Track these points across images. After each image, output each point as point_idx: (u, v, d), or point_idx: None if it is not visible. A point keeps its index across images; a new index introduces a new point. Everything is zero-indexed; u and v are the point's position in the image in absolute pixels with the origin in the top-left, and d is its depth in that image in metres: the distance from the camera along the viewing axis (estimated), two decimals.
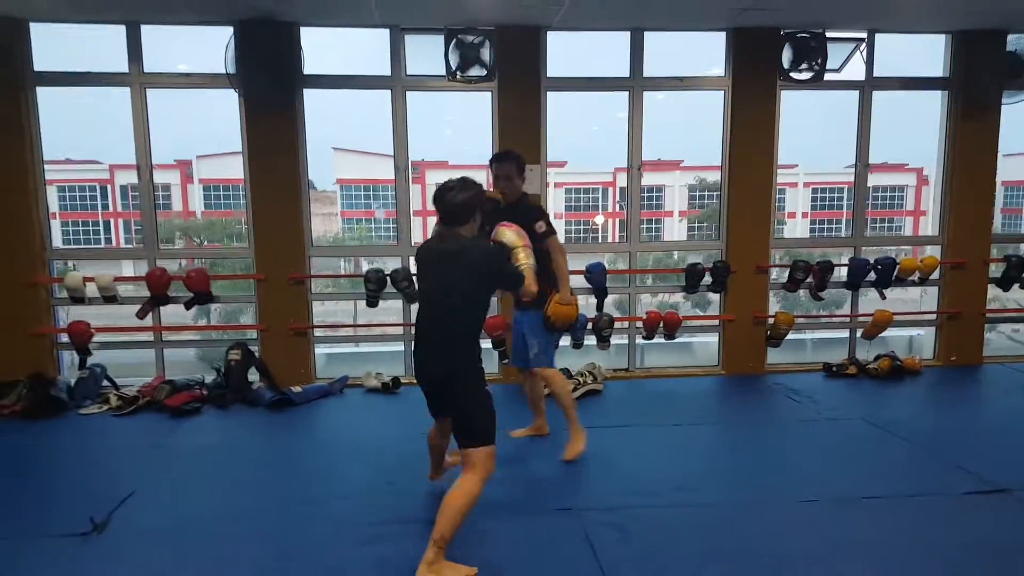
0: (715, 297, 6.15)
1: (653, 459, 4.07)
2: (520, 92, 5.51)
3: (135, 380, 5.50)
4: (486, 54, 5.38)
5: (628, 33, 5.62)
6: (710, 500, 3.56)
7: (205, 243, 26.31)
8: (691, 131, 5.89)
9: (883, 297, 6.10)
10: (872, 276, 6.02)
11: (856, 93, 5.92)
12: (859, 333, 6.18)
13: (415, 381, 3.21)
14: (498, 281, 3.11)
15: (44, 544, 3.15)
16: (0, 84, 5.21)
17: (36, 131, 5.39)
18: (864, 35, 5.75)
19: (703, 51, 5.98)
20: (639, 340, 6.03)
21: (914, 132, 6.28)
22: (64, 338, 5.49)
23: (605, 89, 5.89)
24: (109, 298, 5.41)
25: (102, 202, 31.61)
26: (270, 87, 5.25)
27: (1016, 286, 6.18)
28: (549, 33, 5.53)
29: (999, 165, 6.14)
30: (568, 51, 5.94)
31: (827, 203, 33.30)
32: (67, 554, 3.08)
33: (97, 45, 5.67)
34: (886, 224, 33.59)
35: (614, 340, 5.78)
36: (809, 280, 5.97)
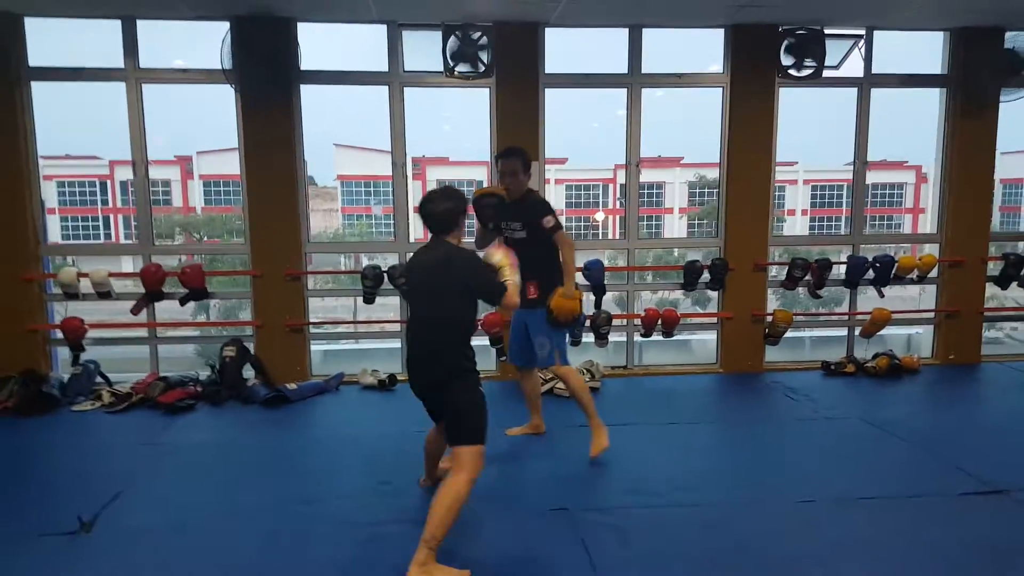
0: (715, 294, 6.14)
1: (650, 458, 4.05)
2: (518, 88, 5.49)
3: (130, 376, 5.48)
4: (484, 50, 5.35)
5: (626, 30, 5.59)
6: (707, 500, 3.54)
7: (205, 239, 26.27)
8: (691, 128, 5.87)
9: (881, 295, 6.08)
10: (871, 274, 5.99)
11: (854, 90, 5.89)
12: (857, 331, 6.16)
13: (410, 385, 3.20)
14: (479, 292, 3.06)
15: (30, 543, 3.12)
16: None
17: (30, 126, 5.36)
18: (863, 32, 5.72)
19: (701, 48, 5.96)
20: (637, 337, 6.01)
21: (913, 129, 6.25)
22: (58, 334, 5.47)
23: (603, 86, 5.87)
24: (103, 294, 5.39)
25: (102, 198, 31.59)
26: (266, 83, 5.22)
27: (1014, 284, 6.16)
28: (547, 30, 5.50)
29: (997, 163, 6.12)
30: (566, 48, 5.91)
31: (827, 200, 33.28)
32: (54, 554, 3.05)
33: (92, 40, 5.63)
34: (885, 222, 33.55)
35: (612, 337, 5.77)
36: (807, 278, 5.94)
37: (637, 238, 6.02)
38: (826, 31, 5.60)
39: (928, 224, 6.39)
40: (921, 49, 6.20)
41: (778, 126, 5.80)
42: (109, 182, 31.29)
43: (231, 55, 5.11)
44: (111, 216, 31.19)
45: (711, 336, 6.26)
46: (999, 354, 6.60)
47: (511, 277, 3.12)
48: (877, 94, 5.90)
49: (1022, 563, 2.99)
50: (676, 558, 2.98)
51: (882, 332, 6.15)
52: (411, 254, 3.33)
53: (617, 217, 30.68)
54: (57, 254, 5.86)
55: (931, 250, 6.18)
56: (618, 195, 30.12)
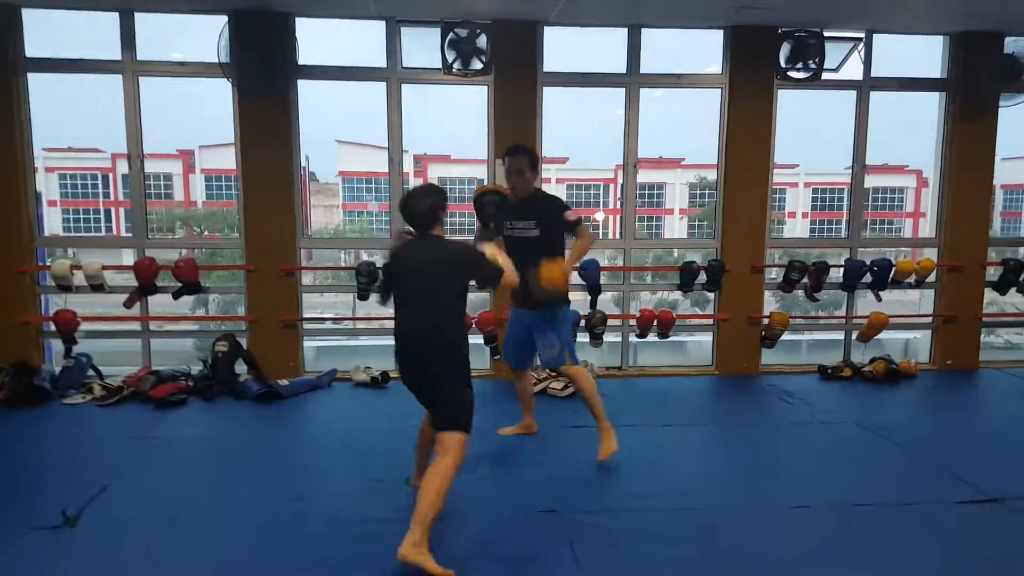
0: (714, 296, 6.10)
1: (643, 460, 4.01)
2: (516, 86, 5.47)
3: (125, 370, 5.46)
4: (482, 48, 5.32)
5: (625, 30, 5.57)
6: (700, 503, 3.51)
7: (206, 233, 26.27)
8: (692, 129, 5.84)
9: (879, 299, 6.05)
10: (868, 278, 5.96)
11: (853, 93, 5.86)
12: (855, 335, 6.13)
13: (402, 380, 3.22)
14: (479, 276, 3.17)
15: (13, 537, 3.09)
16: None
17: (26, 117, 5.34)
18: (862, 35, 5.70)
19: (701, 49, 5.93)
20: (632, 338, 5.99)
21: (914, 134, 6.22)
22: (51, 326, 5.45)
23: (601, 85, 5.85)
24: (96, 287, 5.37)
25: (103, 190, 31.58)
26: (263, 77, 5.20)
27: (1013, 290, 6.14)
28: (546, 28, 5.48)
29: (998, 168, 6.10)
30: (565, 47, 5.88)
31: (827, 203, 33.21)
32: (38, 548, 3.01)
33: (90, 32, 5.61)
34: (886, 226, 33.51)
35: (607, 337, 5.74)
36: (805, 281, 5.91)
37: (634, 238, 5.99)
38: (825, 34, 5.58)
39: (928, 229, 6.36)
40: (921, 53, 6.18)
41: (776, 128, 5.78)
42: (111, 175, 31.28)
43: (228, 49, 5.08)
44: (112, 209, 31.18)
45: (707, 338, 6.24)
46: (1000, 360, 6.54)
47: (504, 261, 3.23)
48: (878, 97, 5.88)
49: (1017, 574, 2.96)
50: (666, 562, 2.96)
51: (880, 336, 6.12)
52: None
53: (617, 217, 30.64)
54: (50, 246, 5.83)
55: (930, 254, 6.16)
56: (619, 195, 30.11)
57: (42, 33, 5.43)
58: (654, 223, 32.16)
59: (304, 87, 5.45)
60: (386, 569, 2.85)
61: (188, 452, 4.18)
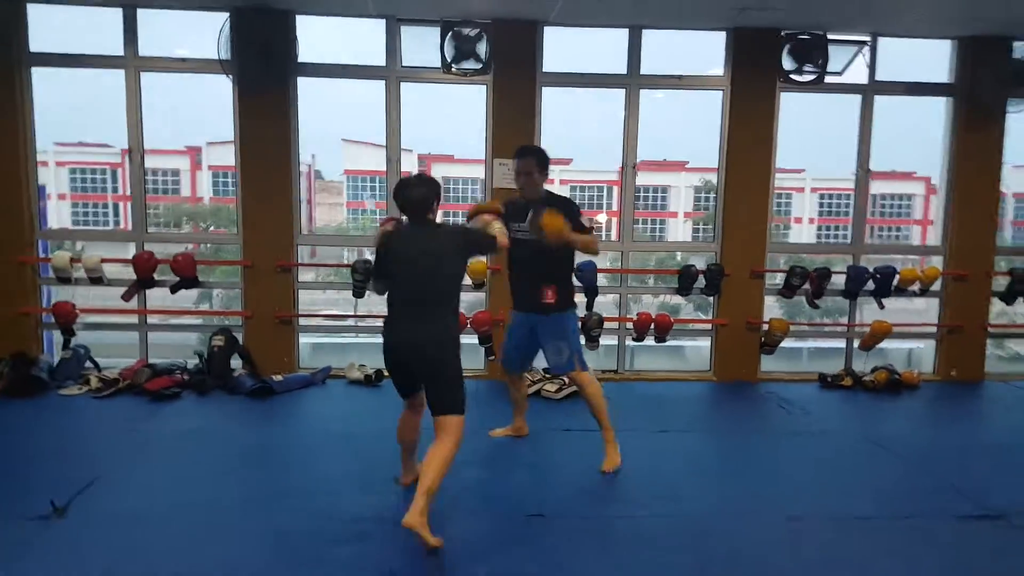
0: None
1: (636, 466, 3.95)
2: (515, 86, 5.44)
3: (124, 362, 5.47)
4: (482, 47, 5.31)
5: (626, 30, 5.53)
6: (692, 512, 3.46)
7: (212, 228, 26.37)
8: (697, 132, 5.80)
9: (881, 307, 5.98)
10: (871, 285, 5.89)
11: (858, 97, 5.80)
12: (856, 344, 6.06)
13: (387, 362, 3.27)
14: (476, 247, 3.34)
15: (1, 525, 3.11)
16: None
17: (29, 111, 5.37)
18: (867, 38, 5.63)
19: (703, 51, 5.89)
20: (629, 342, 5.94)
21: (922, 140, 6.14)
22: (51, 318, 5.46)
23: (601, 86, 5.81)
24: (95, 279, 5.38)
25: (112, 185, 31.78)
26: (263, 74, 5.20)
27: (1021, 300, 6.04)
28: (546, 28, 5.46)
29: (1010, 176, 6.02)
30: (565, 48, 5.85)
31: (834, 209, 33.01)
32: (24, 537, 3.02)
33: (94, 27, 5.63)
34: (893, 233, 33.28)
35: (603, 340, 5.70)
36: (806, 287, 5.85)
37: (632, 240, 5.95)
38: (830, 36, 5.53)
39: (934, 236, 6.28)
40: (928, 57, 6.11)
41: (779, 131, 5.72)
42: (120, 170, 31.46)
43: (229, 46, 5.08)
44: (120, 204, 31.37)
45: (706, 343, 6.18)
46: (1006, 372, 6.44)
47: (498, 225, 3.37)
48: (886, 103, 5.82)
49: None
50: (657, 570, 2.92)
51: (883, 345, 6.04)
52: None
53: (632, 219, 30.47)
54: (50, 239, 5.85)
55: (935, 262, 6.08)
56: (633, 198, 29.91)
57: (46, 28, 5.44)
58: (657, 226, 32.07)
59: (311, 85, 5.47)
60: (371, 568, 2.84)
61: (179, 446, 4.18)
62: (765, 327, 5.85)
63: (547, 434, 4.44)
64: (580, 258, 5.64)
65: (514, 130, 5.42)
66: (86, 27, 5.78)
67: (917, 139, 7.18)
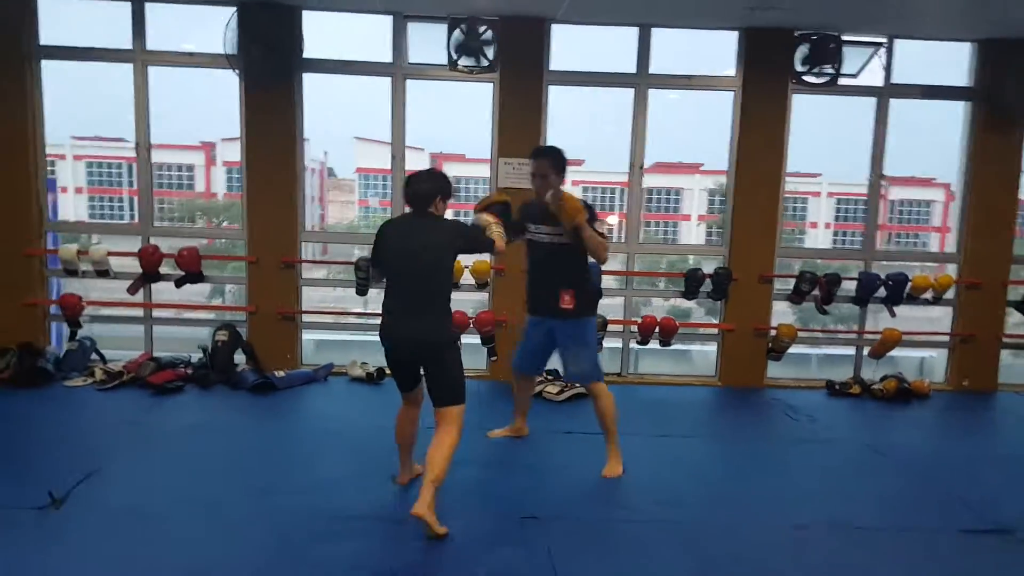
0: None
1: (636, 471, 3.90)
2: (522, 85, 5.39)
3: (134, 355, 5.48)
4: (489, 45, 5.26)
5: (636, 29, 5.46)
6: (690, 518, 3.42)
7: (224, 224, 26.55)
8: (713, 134, 5.71)
9: (892, 315, 5.87)
10: (883, 292, 5.78)
11: (873, 100, 5.70)
12: (866, 351, 5.95)
13: (386, 356, 3.32)
14: (473, 245, 3.36)
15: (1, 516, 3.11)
16: (6, 57, 5.20)
17: (39, 103, 5.39)
18: (884, 40, 5.52)
19: (714, 51, 5.80)
20: (633, 345, 5.87)
21: (943, 146, 6.02)
22: (58, 310, 5.49)
23: (609, 85, 5.74)
24: (102, 272, 5.40)
25: (128, 179, 32.10)
26: (269, 69, 5.19)
27: None
28: (554, 26, 5.40)
29: None
30: (573, 46, 5.80)
31: (851, 214, 32.66)
32: (21, 527, 3.04)
33: (103, 22, 5.65)
34: (911, 239, 32.88)
35: (607, 343, 5.63)
36: (815, 293, 5.75)
37: (638, 243, 5.89)
38: (844, 37, 5.42)
39: (952, 243, 6.15)
40: (945, 60, 5.97)
41: (791, 134, 5.63)
42: (135, 164, 31.75)
43: (235, 40, 5.07)
44: (135, 198, 31.69)
45: (713, 348, 6.10)
46: (1020, 383, 6.30)
47: (497, 229, 3.41)
48: (906, 109, 5.71)
49: None
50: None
51: (894, 354, 5.94)
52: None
53: (639, 221, 30.33)
54: (58, 231, 5.90)
55: (950, 270, 5.96)
56: (640, 200, 29.78)
57: (56, 21, 5.46)
58: (670, 228, 31.87)
59: (324, 82, 5.45)
60: (368, 567, 2.83)
61: (179, 440, 4.19)
62: (773, 333, 5.75)
63: (547, 436, 4.40)
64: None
65: (521, 129, 5.38)
66: (95, 21, 5.81)
67: (937, 145, 7.04)
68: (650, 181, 32.81)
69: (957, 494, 3.81)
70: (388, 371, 5.35)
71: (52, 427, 4.31)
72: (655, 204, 32.30)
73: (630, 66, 5.55)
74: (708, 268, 5.80)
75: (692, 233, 31.87)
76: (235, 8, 5.11)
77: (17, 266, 5.38)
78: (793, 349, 5.86)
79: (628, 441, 3.99)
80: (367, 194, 31.10)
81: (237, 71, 5.21)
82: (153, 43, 5.36)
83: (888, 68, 5.62)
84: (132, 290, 5.42)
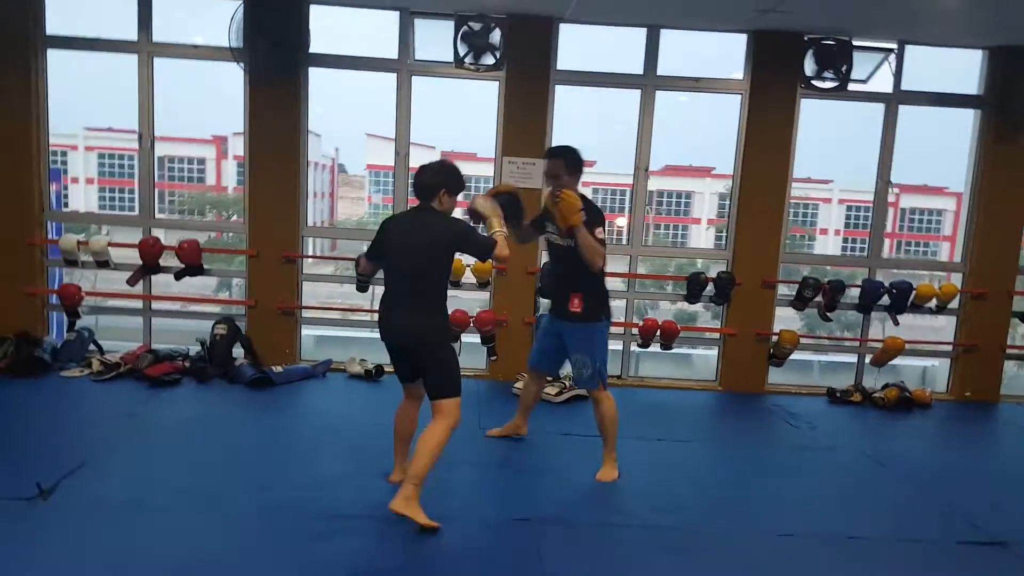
0: None
1: (631, 474, 3.86)
2: (528, 84, 5.36)
3: (132, 347, 5.47)
4: (496, 43, 5.23)
5: (644, 30, 5.42)
6: (681, 523, 3.39)
7: (235, 217, 26.67)
8: (725, 138, 5.67)
9: (896, 323, 5.81)
10: (887, 300, 5.73)
11: (882, 106, 5.63)
12: (868, 359, 5.89)
13: (386, 347, 3.35)
14: (469, 248, 3.25)
15: None
16: (11, 46, 5.20)
17: (44, 93, 5.39)
18: (894, 46, 5.47)
19: (724, 53, 5.76)
20: (634, 347, 5.84)
21: (956, 155, 5.95)
22: (57, 299, 5.49)
23: (616, 86, 5.70)
24: (101, 263, 5.40)
25: (140, 171, 32.26)
26: (275, 64, 5.17)
27: None
28: (562, 25, 5.36)
29: None
30: (580, 46, 5.76)
31: (861, 221, 32.49)
32: (7, 518, 3.01)
33: (110, 13, 5.67)
34: (921, 248, 32.67)
35: (609, 345, 5.58)
36: (818, 299, 5.70)
37: (641, 245, 5.84)
38: (855, 43, 5.36)
39: (957, 252, 6.09)
40: (956, 68, 5.91)
41: (798, 139, 5.58)
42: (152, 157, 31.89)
43: (241, 34, 5.06)
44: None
45: (714, 352, 6.06)
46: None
47: (499, 228, 3.25)
48: (918, 117, 5.66)
49: None
50: None
51: (897, 362, 5.88)
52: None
53: (643, 224, 30.29)
54: (59, 220, 5.91)
55: (955, 279, 5.90)
56: (645, 202, 29.72)
57: (63, 11, 5.47)
58: (680, 231, 31.78)
59: (334, 79, 5.45)
60: (350, 566, 2.80)
61: (173, 433, 4.17)
62: (775, 339, 5.70)
63: (544, 437, 4.37)
64: None
65: (526, 128, 5.35)
66: (103, 11, 5.82)
67: (950, 154, 6.97)
68: (661, 184, 32.71)
69: (955, 505, 3.77)
70: (387, 366, 5.43)
71: (46, 418, 4.30)
72: (665, 207, 32.23)
73: (637, 67, 5.51)
74: (715, 272, 5.76)
75: (702, 237, 31.81)
76: (241, 1, 5.10)
77: (17, 255, 5.38)
78: (796, 355, 5.81)
79: (625, 444, 3.96)
80: (378, 191, 31.19)
81: (242, 65, 5.19)
82: (162, 35, 5.35)
83: (898, 74, 5.56)
84: (131, 282, 5.42)
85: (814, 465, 4.34)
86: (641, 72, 5.50)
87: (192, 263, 5.39)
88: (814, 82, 5.44)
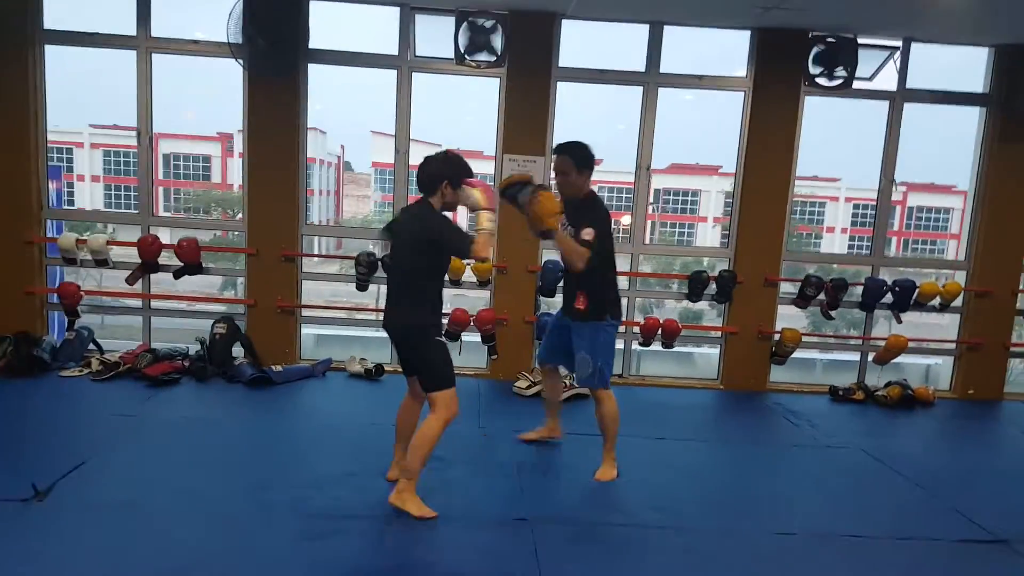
0: None
1: (629, 473, 3.84)
2: (529, 80, 5.32)
3: (132, 345, 5.47)
4: (497, 39, 5.20)
5: (647, 26, 5.38)
6: (679, 522, 3.36)
7: (239, 215, 26.77)
8: (730, 136, 5.62)
9: (899, 321, 5.76)
10: (889, 298, 5.68)
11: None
12: (871, 357, 5.85)
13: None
14: (448, 247, 3.18)
15: None
16: (9, 41, 5.19)
17: (42, 89, 5.37)
18: (899, 43, 5.41)
19: (727, 50, 5.70)
20: (635, 346, 5.80)
21: (965, 153, 5.90)
22: (56, 298, 5.49)
23: (618, 83, 5.65)
24: (100, 261, 5.39)
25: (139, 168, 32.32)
26: (274, 60, 5.14)
27: None
28: (564, 21, 5.32)
29: None
30: (584, 43, 5.72)
31: (868, 220, 32.35)
32: (1, 519, 3.00)
33: (108, 8, 5.65)
34: (928, 246, 32.50)
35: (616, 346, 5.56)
36: (821, 297, 5.65)
37: (643, 243, 5.80)
38: (859, 40, 5.31)
39: (961, 251, 6.03)
40: (961, 65, 5.85)
41: (802, 136, 5.53)
42: (153, 153, 31.96)
43: (240, 29, 5.04)
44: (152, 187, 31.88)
45: (715, 350, 6.02)
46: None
47: (486, 225, 3.12)
48: (927, 115, 5.62)
49: None
50: None
51: (901, 361, 5.84)
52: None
53: (648, 222, 30.25)
54: (58, 218, 5.90)
55: (959, 277, 5.85)
56: (651, 199, 29.71)
57: (60, 6, 5.45)
58: (686, 230, 31.68)
59: (312, 70, 5.37)
60: (349, 567, 2.79)
61: (171, 433, 4.15)
62: (777, 337, 5.66)
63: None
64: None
65: (527, 126, 5.32)
66: (100, 6, 5.80)
67: (957, 152, 6.90)
68: (667, 182, 32.64)
69: (954, 504, 3.74)
70: (387, 365, 5.42)
71: (43, 418, 4.28)
72: (672, 205, 32.13)
73: (640, 64, 5.47)
74: (718, 270, 5.72)
75: (708, 235, 31.71)
76: None
77: (16, 253, 5.36)
78: (799, 353, 5.78)
79: (625, 443, 3.93)
80: (383, 188, 31.22)
81: (241, 60, 5.17)
82: (161, 31, 5.33)
83: (903, 72, 5.50)
84: (131, 280, 5.41)
85: (815, 463, 4.32)
86: (643, 69, 5.46)
87: (191, 261, 5.37)
88: (818, 80, 5.38)
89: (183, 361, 5.22)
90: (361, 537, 3.05)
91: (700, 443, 4.62)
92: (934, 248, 32.48)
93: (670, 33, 5.39)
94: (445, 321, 5.04)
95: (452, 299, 6.66)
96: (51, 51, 5.36)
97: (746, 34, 5.45)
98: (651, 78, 5.46)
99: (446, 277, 3.55)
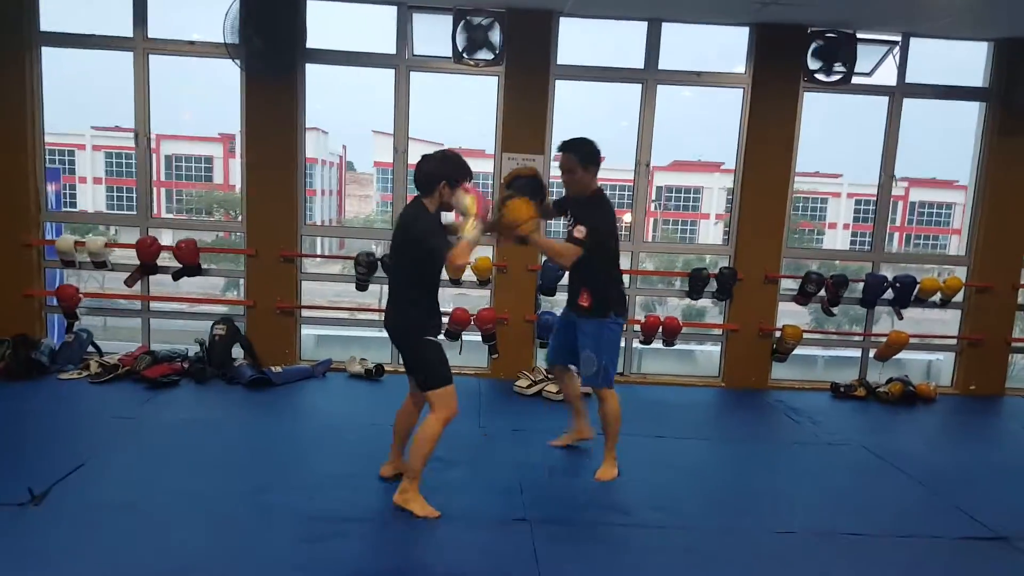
0: None
1: (629, 472, 3.83)
2: (528, 78, 5.31)
3: (132, 347, 5.46)
4: (495, 37, 5.18)
5: (645, 23, 5.35)
6: (679, 522, 3.35)
7: (240, 216, 26.80)
8: (732, 133, 5.60)
9: (900, 317, 5.74)
10: (890, 294, 5.66)
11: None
12: (872, 353, 5.83)
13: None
14: (425, 248, 3.07)
15: None
16: (5, 42, 5.18)
17: (38, 90, 5.35)
18: (898, 38, 5.38)
19: (725, 47, 5.69)
20: (636, 344, 5.79)
21: (967, 148, 5.88)
22: (55, 301, 5.49)
23: (617, 80, 5.64)
24: (99, 264, 5.39)
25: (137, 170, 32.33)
26: (271, 60, 5.13)
27: None
28: (562, 19, 5.30)
29: None
30: (581, 40, 5.69)
31: (870, 215, 32.32)
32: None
33: (105, 9, 5.63)
34: (931, 241, 32.41)
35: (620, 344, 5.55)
36: (821, 294, 5.63)
37: (643, 241, 5.79)
38: (858, 35, 5.28)
39: (962, 246, 6.01)
40: (961, 60, 5.81)
41: (804, 132, 5.51)
42: (154, 155, 32.02)
43: (236, 29, 5.03)
44: (153, 189, 31.95)
45: (716, 348, 6.00)
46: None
47: (469, 232, 2.99)
48: (929, 110, 5.59)
49: None
50: None
51: (903, 357, 5.82)
52: None
53: (650, 220, 30.21)
54: (54, 221, 5.90)
55: (959, 272, 5.82)
56: (653, 197, 29.66)
57: (57, 8, 5.44)
58: (689, 227, 31.62)
59: (310, 70, 5.36)
60: (347, 568, 2.78)
61: (170, 435, 4.14)
62: (778, 334, 5.65)
63: (545, 435, 4.31)
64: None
65: (525, 124, 5.31)
66: (97, 7, 5.78)
67: (959, 147, 6.87)
68: (669, 179, 32.60)
69: (956, 501, 3.72)
70: (387, 366, 5.41)
71: (41, 421, 4.27)
72: (673, 203, 32.09)
73: (639, 61, 5.45)
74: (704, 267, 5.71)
75: (710, 232, 31.67)
76: None
77: (14, 256, 5.35)
78: (800, 350, 5.76)
79: (626, 441, 3.92)
80: (384, 188, 31.23)
81: (238, 61, 5.16)
82: (158, 32, 5.32)
83: (902, 67, 5.47)
84: (129, 282, 5.40)
85: (816, 461, 4.30)
86: (642, 66, 5.44)
87: (190, 263, 5.36)
88: (818, 75, 5.36)
89: (182, 363, 5.21)
90: (361, 539, 3.05)
91: (701, 441, 4.61)
92: (936, 243, 32.40)
93: (668, 30, 5.37)
94: (445, 320, 5.02)
95: (453, 298, 6.66)
96: (51, 53, 5.35)
97: (744, 30, 5.43)
98: (650, 75, 5.44)
99: (444, 277, 3.49)
